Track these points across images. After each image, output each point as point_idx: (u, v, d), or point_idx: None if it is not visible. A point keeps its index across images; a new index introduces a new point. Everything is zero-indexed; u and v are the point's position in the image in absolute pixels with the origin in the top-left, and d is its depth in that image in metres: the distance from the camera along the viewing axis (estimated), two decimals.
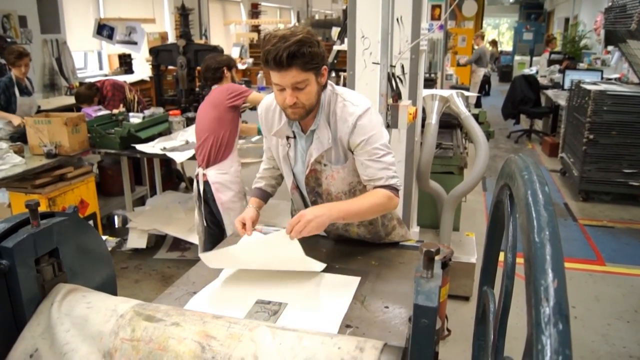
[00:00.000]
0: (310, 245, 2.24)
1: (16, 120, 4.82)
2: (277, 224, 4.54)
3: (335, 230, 2.23)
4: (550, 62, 11.10)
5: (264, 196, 2.30)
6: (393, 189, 1.95)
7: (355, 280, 1.87)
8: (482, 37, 12.20)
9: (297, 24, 16.90)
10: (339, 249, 2.20)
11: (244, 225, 2.05)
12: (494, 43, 14.19)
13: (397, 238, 2.27)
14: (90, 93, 5.40)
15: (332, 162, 2.01)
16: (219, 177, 3.66)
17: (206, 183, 3.68)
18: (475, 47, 11.98)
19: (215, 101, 3.65)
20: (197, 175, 3.72)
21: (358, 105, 1.94)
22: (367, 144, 1.92)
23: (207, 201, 3.74)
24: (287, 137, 2.05)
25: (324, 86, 1.94)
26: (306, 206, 2.19)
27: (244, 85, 4.27)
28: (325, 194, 2.10)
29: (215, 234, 3.78)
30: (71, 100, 6.94)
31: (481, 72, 11.50)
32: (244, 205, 3.73)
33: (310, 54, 1.76)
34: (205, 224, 3.83)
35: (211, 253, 2.00)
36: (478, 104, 10.68)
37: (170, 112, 5.06)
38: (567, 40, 14.67)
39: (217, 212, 3.70)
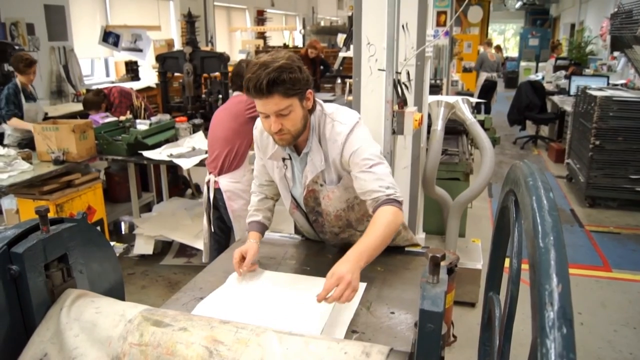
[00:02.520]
0: (316, 251, 2.25)
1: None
2: (282, 230, 4.55)
3: (340, 241, 2.21)
4: (556, 68, 11.08)
5: (263, 230, 2.23)
6: (394, 201, 1.84)
7: (361, 286, 1.87)
8: (490, 43, 12.23)
9: (302, 30, 16.96)
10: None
11: (242, 258, 2.00)
12: (497, 48, 14.17)
13: (402, 242, 2.26)
14: (97, 99, 5.43)
15: (327, 183, 1.99)
16: (231, 185, 3.65)
17: (217, 190, 3.67)
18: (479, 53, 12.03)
19: (237, 112, 3.63)
20: (208, 181, 3.71)
21: (345, 123, 1.91)
22: (356, 155, 1.87)
23: (218, 208, 3.73)
24: (284, 159, 2.03)
25: (313, 109, 1.91)
26: (309, 222, 2.18)
27: None
28: (325, 214, 2.08)
29: (222, 240, 3.80)
30: (78, 107, 6.98)
31: (482, 76, 11.51)
32: None
33: (291, 80, 1.72)
34: (212, 230, 3.82)
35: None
36: (487, 110, 10.68)
37: (177, 119, 5.08)
38: (573, 46, 14.66)
39: (228, 219, 3.70)
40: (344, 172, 1.96)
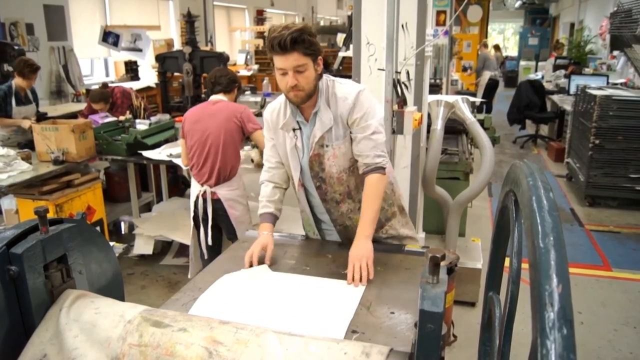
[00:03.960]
0: (316, 250, 2.25)
1: (25, 123, 4.83)
2: (283, 229, 4.55)
3: (341, 217, 2.34)
4: (556, 67, 11.08)
5: (275, 221, 2.35)
6: (380, 169, 2.14)
7: (361, 286, 1.87)
8: (485, 45, 12.23)
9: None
10: (345, 254, 2.21)
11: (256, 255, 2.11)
12: (497, 47, 14.16)
13: (398, 226, 2.40)
14: (106, 93, 5.42)
15: (333, 140, 2.17)
16: (231, 193, 3.55)
17: (216, 201, 3.54)
18: (480, 53, 12.01)
19: (230, 115, 3.50)
20: (204, 194, 3.54)
21: (355, 85, 2.19)
22: (363, 119, 2.12)
23: (215, 218, 3.60)
24: (294, 130, 2.21)
25: (320, 75, 2.13)
26: (310, 205, 2.36)
27: None
28: (328, 177, 2.24)
29: (216, 252, 3.59)
30: (78, 107, 6.98)
31: (486, 75, 11.50)
32: (249, 213, 3.72)
33: (309, 41, 1.99)
34: (208, 244, 3.64)
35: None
36: (488, 110, 10.67)
37: (176, 119, 5.08)
38: (572, 45, 14.66)
39: (227, 227, 3.61)
40: (348, 128, 2.16)
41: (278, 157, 2.34)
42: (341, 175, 2.23)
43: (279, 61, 2.00)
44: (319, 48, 2.06)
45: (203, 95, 5.82)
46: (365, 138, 2.13)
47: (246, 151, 4.27)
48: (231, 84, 3.67)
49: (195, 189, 3.60)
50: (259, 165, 4.22)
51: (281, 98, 2.25)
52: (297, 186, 2.31)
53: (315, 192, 2.30)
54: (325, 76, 2.19)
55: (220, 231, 3.73)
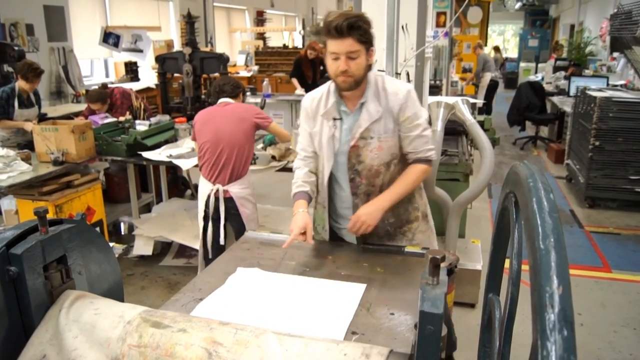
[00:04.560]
0: (316, 251, 2.25)
1: (28, 126, 4.83)
2: (282, 230, 4.55)
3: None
4: (556, 69, 11.08)
5: (309, 200, 2.39)
6: (428, 161, 2.29)
7: (360, 287, 1.87)
8: (480, 46, 12.23)
9: (301, 31, 16.97)
10: (345, 255, 2.21)
11: (302, 233, 2.17)
12: (497, 49, 14.17)
13: (417, 232, 2.42)
14: (105, 93, 5.42)
15: (381, 132, 2.21)
16: (243, 191, 3.59)
17: (228, 199, 3.58)
18: (479, 55, 12.00)
19: (244, 115, 3.58)
20: (216, 192, 3.58)
21: (404, 83, 2.34)
22: (415, 117, 2.21)
23: (226, 217, 3.63)
24: (334, 119, 2.25)
25: (370, 67, 2.18)
26: (330, 200, 2.42)
27: None
28: (366, 170, 2.27)
29: (222, 249, 3.66)
30: (78, 107, 6.98)
31: (487, 76, 11.50)
32: (257, 212, 3.76)
33: (365, 29, 2.05)
34: (219, 243, 3.69)
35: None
36: (488, 111, 10.66)
37: (176, 120, 5.08)
38: (572, 46, 14.66)
39: (237, 226, 3.62)
40: (397, 124, 2.23)
41: (313, 146, 2.37)
42: (380, 168, 2.27)
43: (333, 45, 2.06)
44: (373, 39, 2.12)
45: (203, 96, 5.82)
46: (418, 136, 2.24)
47: (263, 152, 4.30)
48: (235, 89, 3.76)
49: (206, 187, 3.63)
50: (282, 157, 4.28)
51: (323, 87, 2.31)
52: (326, 177, 2.33)
53: (347, 184, 2.32)
54: (374, 71, 2.25)
55: (225, 230, 3.74)
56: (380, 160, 2.25)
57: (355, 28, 2.01)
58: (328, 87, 2.28)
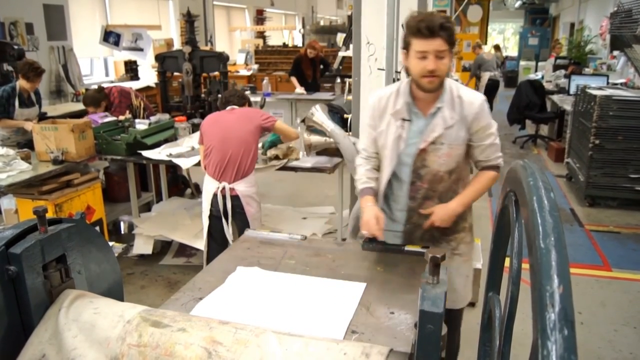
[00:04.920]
0: (315, 251, 2.25)
1: (28, 126, 4.82)
2: (282, 229, 4.55)
3: (420, 217, 2.36)
4: (556, 67, 11.07)
5: (375, 196, 2.38)
6: (497, 167, 2.34)
7: (360, 286, 1.87)
8: (479, 46, 12.23)
9: (301, 30, 16.97)
10: (345, 255, 2.21)
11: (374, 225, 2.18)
12: (497, 47, 14.15)
13: (462, 243, 2.47)
14: (98, 97, 5.41)
15: (453, 140, 2.22)
16: (248, 190, 3.62)
17: (234, 197, 3.60)
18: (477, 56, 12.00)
19: (250, 115, 3.66)
20: (223, 190, 3.59)
21: (476, 92, 2.30)
22: (488, 127, 2.25)
23: (233, 216, 3.64)
24: (402, 120, 2.24)
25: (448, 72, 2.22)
26: (387, 203, 2.41)
27: None
28: (430, 175, 2.28)
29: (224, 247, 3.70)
30: (78, 106, 6.97)
31: (485, 75, 11.50)
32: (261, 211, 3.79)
33: (452, 30, 2.07)
34: (229, 240, 3.67)
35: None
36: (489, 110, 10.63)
37: (176, 119, 5.07)
38: (572, 45, 14.65)
39: (241, 225, 3.61)
40: (468, 133, 2.24)
41: (376, 147, 2.37)
42: (444, 175, 2.28)
43: (422, 44, 2.05)
44: (455, 42, 2.16)
45: (203, 95, 5.82)
46: (490, 145, 2.28)
47: (267, 154, 4.30)
48: (241, 100, 3.85)
49: (211, 185, 3.64)
50: (285, 156, 4.29)
51: (392, 87, 2.31)
52: (385, 178, 2.33)
53: (407, 187, 2.33)
54: (447, 79, 2.24)
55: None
56: (447, 167, 2.26)
57: (445, 29, 2.03)
58: (398, 86, 2.27)
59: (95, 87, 5.93)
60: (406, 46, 2.12)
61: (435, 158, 2.23)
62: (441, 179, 2.28)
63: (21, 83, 5.03)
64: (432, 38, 2.03)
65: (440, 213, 2.24)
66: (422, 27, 2.02)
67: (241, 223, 3.65)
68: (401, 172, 2.31)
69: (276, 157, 4.26)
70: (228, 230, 3.68)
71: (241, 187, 3.59)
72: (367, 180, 2.38)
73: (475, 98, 2.22)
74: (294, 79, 8.59)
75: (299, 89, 8.47)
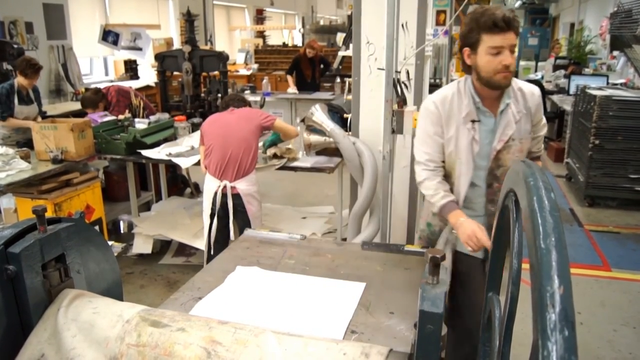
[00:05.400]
0: (315, 251, 2.25)
1: (35, 126, 4.80)
2: (282, 229, 4.55)
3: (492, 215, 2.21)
4: (556, 67, 11.06)
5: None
6: (539, 157, 2.37)
7: (360, 286, 1.87)
8: None
9: (301, 29, 16.97)
10: (344, 254, 2.21)
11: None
12: None
13: None
14: (95, 98, 5.41)
15: (522, 134, 2.16)
16: (249, 188, 3.63)
17: (235, 196, 3.61)
18: None
19: (250, 115, 3.69)
20: (224, 188, 3.60)
21: (532, 84, 2.24)
22: (542, 118, 2.24)
23: (234, 214, 3.66)
24: (472, 122, 2.14)
25: None
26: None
27: None
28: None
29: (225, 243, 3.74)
30: (77, 105, 6.96)
31: None
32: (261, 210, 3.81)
33: (519, 23, 2.02)
34: (231, 238, 3.69)
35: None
36: None
37: (176, 118, 5.07)
38: (572, 45, 14.64)
39: (243, 223, 3.62)
40: (532, 125, 2.21)
41: (443, 156, 2.23)
42: None
43: (497, 39, 1.97)
44: None
45: (202, 95, 5.81)
46: (541, 137, 2.29)
47: (267, 152, 4.31)
48: (241, 103, 3.88)
49: (212, 184, 3.64)
50: (283, 155, 4.29)
51: (447, 90, 2.21)
52: (464, 185, 2.20)
53: (484, 191, 2.23)
54: None
55: (228, 228, 3.75)
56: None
57: (515, 22, 1.98)
58: (456, 87, 2.18)
59: (93, 88, 5.92)
60: (471, 44, 2.03)
61: (510, 155, 2.15)
62: None
63: (19, 80, 5.02)
64: (506, 32, 1.96)
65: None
66: (497, 20, 1.94)
67: (242, 222, 3.65)
68: (477, 176, 2.21)
69: (275, 156, 4.26)
70: (231, 229, 3.69)
71: (242, 186, 3.60)
72: (445, 193, 2.20)
73: (534, 88, 2.19)
74: (290, 78, 8.60)
75: (292, 89, 8.47)
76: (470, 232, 2.02)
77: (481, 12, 2.00)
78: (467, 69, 2.14)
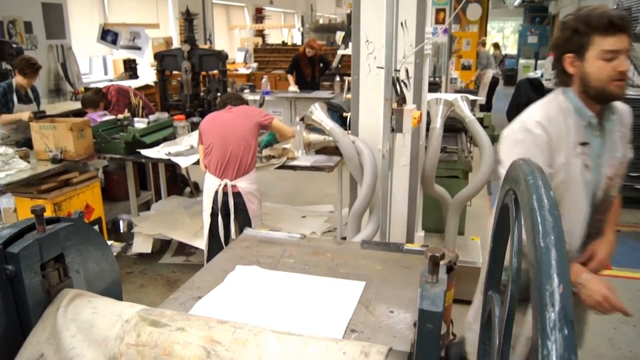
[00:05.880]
0: (315, 250, 2.24)
1: (25, 116, 4.80)
2: (281, 228, 4.55)
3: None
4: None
5: None
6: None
7: (360, 285, 1.86)
8: (484, 43, 12.25)
9: (300, 28, 16.97)
10: (344, 253, 2.20)
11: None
12: (496, 46, 14.17)
13: None
14: (96, 98, 5.41)
15: (623, 156, 1.90)
16: (250, 187, 3.65)
17: (236, 194, 3.63)
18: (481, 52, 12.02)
19: (248, 113, 3.71)
20: (225, 187, 3.62)
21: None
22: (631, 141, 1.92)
23: (235, 213, 3.68)
24: (581, 144, 1.82)
25: None
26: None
27: None
28: (606, 202, 1.92)
29: (225, 242, 3.76)
30: (76, 105, 6.96)
31: (490, 72, 11.51)
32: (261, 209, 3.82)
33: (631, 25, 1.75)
34: (232, 237, 3.71)
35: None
36: (489, 108, 10.66)
37: (175, 117, 5.07)
38: None
39: (243, 222, 3.64)
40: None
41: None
42: (614, 199, 1.95)
43: (612, 42, 1.68)
44: None
45: (202, 94, 5.81)
46: (628, 161, 1.93)
47: (262, 153, 4.31)
48: (238, 102, 3.91)
49: (213, 183, 3.65)
50: (280, 157, 4.29)
51: (548, 105, 1.91)
52: (583, 222, 1.88)
53: (583, 224, 1.91)
54: None
55: (228, 227, 3.76)
56: (619, 188, 1.93)
57: (630, 23, 1.71)
58: (557, 102, 1.88)
59: (93, 88, 5.92)
60: (576, 49, 1.73)
61: (614, 182, 1.88)
62: (611, 204, 1.92)
63: (18, 79, 5.03)
64: (622, 34, 1.67)
65: (606, 251, 1.87)
66: (615, 19, 1.66)
67: (243, 220, 3.67)
68: (593, 205, 1.90)
69: (271, 157, 4.27)
70: (232, 227, 3.71)
71: (243, 184, 3.61)
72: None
73: (624, 105, 1.91)
74: (290, 77, 8.61)
75: (293, 87, 8.48)
76: (601, 298, 1.81)
77: (589, 11, 1.71)
78: (564, 80, 1.86)
